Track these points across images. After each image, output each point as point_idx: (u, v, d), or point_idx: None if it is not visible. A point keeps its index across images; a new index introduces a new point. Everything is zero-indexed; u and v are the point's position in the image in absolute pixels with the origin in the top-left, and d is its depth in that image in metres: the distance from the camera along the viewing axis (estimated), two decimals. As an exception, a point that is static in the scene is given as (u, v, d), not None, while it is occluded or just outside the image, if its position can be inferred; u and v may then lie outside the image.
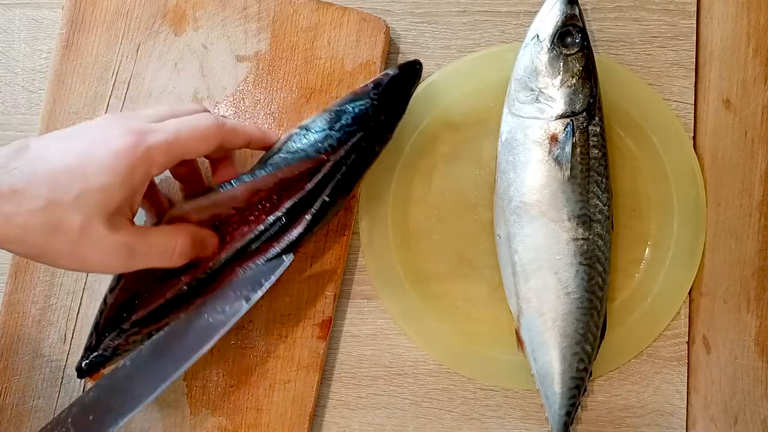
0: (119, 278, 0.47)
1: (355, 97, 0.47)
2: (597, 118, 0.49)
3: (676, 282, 0.53)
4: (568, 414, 0.49)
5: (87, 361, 0.47)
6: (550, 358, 0.49)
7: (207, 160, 0.48)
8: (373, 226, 0.53)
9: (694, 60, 0.54)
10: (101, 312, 0.47)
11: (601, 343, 0.51)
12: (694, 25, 0.54)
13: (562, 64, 0.49)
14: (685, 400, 0.53)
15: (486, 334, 0.53)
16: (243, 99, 0.53)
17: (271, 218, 0.46)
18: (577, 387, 0.49)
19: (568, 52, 0.49)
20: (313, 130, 0.47)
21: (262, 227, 0.46)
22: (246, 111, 0.53)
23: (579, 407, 0.51)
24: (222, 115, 0.52)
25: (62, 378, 0.51)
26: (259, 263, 0.47)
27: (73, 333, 0.52)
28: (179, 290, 0.46)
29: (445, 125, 0.54)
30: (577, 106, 0.49)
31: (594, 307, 0.49)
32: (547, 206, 0.48)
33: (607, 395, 0.53)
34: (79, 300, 0.52)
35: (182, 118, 0.43)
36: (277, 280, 0.48)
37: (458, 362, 0.53)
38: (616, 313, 0.52)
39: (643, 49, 0.54)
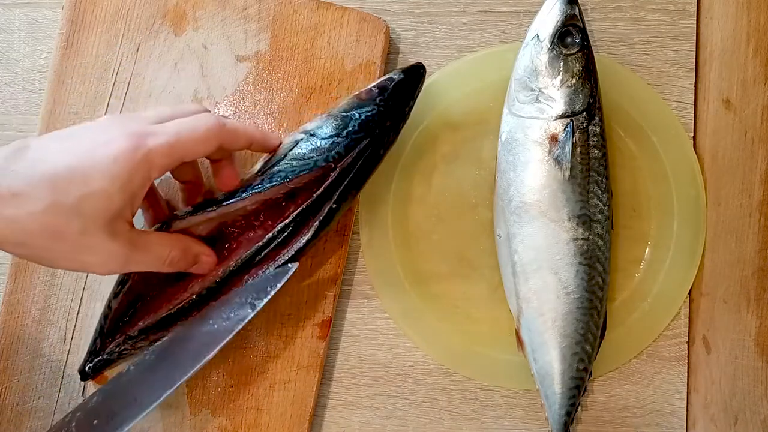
0: (124, 282, 0.47)
1: (360, 103, 0.47)
2: (597, 118, 0.49)
3: (676, 282, 0.53)
4: (568, 414, 0.49)
5: (91, 365, 0.47)
6: (550, 358, 0.49)
7: (207, 161, 0.48)
8: (373, 226, 0.53)
9: (694, 60, 0.54)
10: (105, 316, 0.47)
11: (601, 343, 0.51)
12: (694, 25, 0.54)
13: (562, 64, 0.49)
14: (685, 400, 0.53)
15: (486, 334, 0.53)
16: (243, 99, 0.53)
17: (279, 226, 0.46)
18: (577, 387, 0.49)
19: (568, 52, 0.49)
20: (319, 137, 0.47)
21: (270, 235, 0.46)
22: (246, 111, 0.53)
23: (579, 407, 0.51)
24: (222, 116, 0.52)
25: (62, 378, 0.51)
26: (267, 271, 0.47)
27: (73, 333, 0.52)
28: (189, 299, 0.47)
29: (445, 125, 0.54)
30: (577, 106, 0.49)
31: (594, 307, 0.49)
32: (547, 206, 0.48)
33: (607, 395, 0.53)
34: (79, 300, 0.52)
35: (182, 119, 0.43)
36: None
37: (458, 362, 0.53)
38: (616, 313, 0.52)
39: (643, 49, 0.54)
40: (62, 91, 0.52)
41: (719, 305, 0.50)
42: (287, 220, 0.46)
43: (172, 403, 0.51)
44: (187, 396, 0.51)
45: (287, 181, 0.46)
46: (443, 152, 0.54)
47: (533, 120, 0.49)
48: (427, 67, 0.49)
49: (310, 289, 0.52)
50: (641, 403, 0.53)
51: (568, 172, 0.48)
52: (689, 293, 0.53)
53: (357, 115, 0.47)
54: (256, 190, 0.46)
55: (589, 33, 0.51)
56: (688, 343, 0.53)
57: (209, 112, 0.47)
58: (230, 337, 0.45)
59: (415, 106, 0.49)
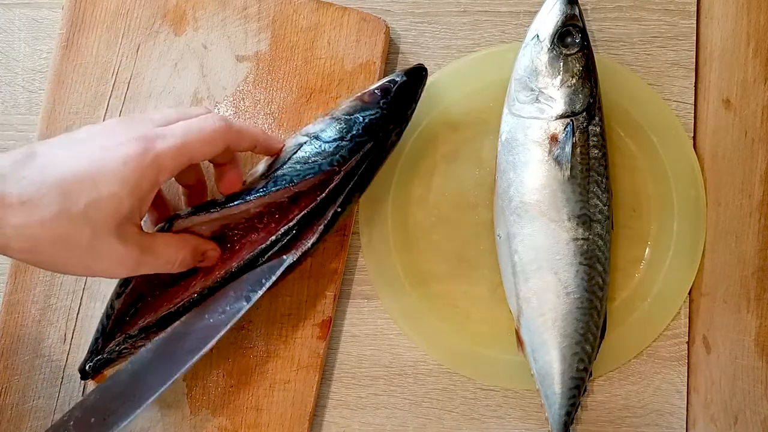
0: (126, 283, 0.47)
1: (364, 106, 0.47)
2: (597, 118, 0.49)
3: (676, 282, 0.53)
4: (568, 414, 0.49)
5: (91, 364, 0.47)
6: (550, 358, 0.49)
7: (211, 165, 0.48)
8: (373, 226, 0.53)
9: (694, 60, 0.54)
10: (108, 316, 0.47)
11: (601, 343, 0.51)
12: (694, 25, 0.54)
13: (562, 64, 0.49)
14: (685, 400, 0.53)
15: (486, 334, 0.53)
16: (243, 99, 0.53)
17: (282, 229, 0.46)
18: (577, 387, 0.49)
19: (568, 52, 0.49)
20: (323, 140, 0.47)
21: (273, 238, 0.46)
22: (246, 111, 0.53)
23: (579, 407, 0.51)
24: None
25: (62, 378, 0.51)
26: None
27: (73, 333, 0.52)
28: (189, 298, 0.47)
29: (445, 125, 0.54)
30: (577, 106, 0.49)
31: (594, 307, 0.49)
32: (547, 206, 0.48)
33: (607, 395, 0.53)
34: (79, 300, 0.52)
35: (189, 120, 0.43)
36: (278, 280, 0.48)
37: (458, 362, 0.53)
38: (616, 313, 0.52)
39: (643, 49, 0.54)
40: (62, 91, 0.52)
41: (719, 305, 0.50)
42: (291, 223, 0.46)
43: (172, 403, 0.51)
44: (187, 396, 0.51)
45: (292, 185, 0.46)
46: (443, 152, 0.54)
47: (533, 120, 0.49)
48: (427, 67, 0.49)
49: (310, 289, 0.52)
50: (641, 403, 0.53)
51: (568, 172, 0.48)
52: (689, 293, 0.53)
53: (361, 119, 0.47)
54: (261, 194, 0.46)
55: (589, 33, 0.51)
56: (688, 343, 0.53)
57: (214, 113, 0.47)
58: (226, 329, 0.45)
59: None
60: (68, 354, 0.52)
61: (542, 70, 0.49)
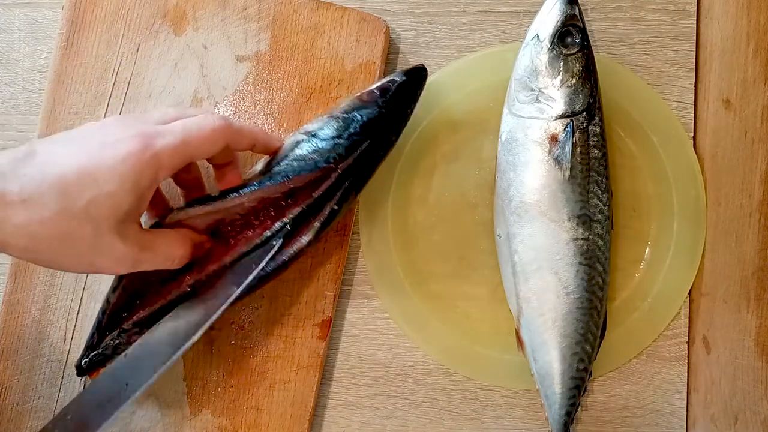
0: (121, 277, 0.47)
1: (362, 105, 0.47)
2: (597, 118, 0.49)
3: (676, 282, 0.53)
4: (568, 414, 0.49)
5: (87, 360, 0.47)
6: (550, 358, 0.49)
7: (210, 165, 0.48)
8: (373, 226, 0.53)
9: (694, 60, 0.54)
10: (104, 311, 0.47)
11: (601, 343, 0.51)
12: (694, 25, 0.54)
13: (562, 64, 0.49)
14: (685, 400, 0.53)
15: (486, 334, 0.53)
16: (243, 99, 0.53)
17: (277, 224, 0.46)
18: (577, 387, 0.49)
19: (568, 52, 0.49)
20: (320, 138, 0.47)
21: (268, 233, 0.46)
22: (246, 111, 0.53)
23: (579, 407, 0.51)
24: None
25: (62, 378, 0.51)
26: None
27: (73, 333, 0.52)
28: (182, 292, 0.46)
29: (445, 125, 0.54)
30: (577, 106, 0.49)
31: (594, 307, 0.49)
32: (547, 206, 0.48)
33: (607, 395, 0.53)
34: (79, 300, 0.52)
35: (189, 119, 0.43)
36: (277, 280, 0.48)
37: (458, 362, 0.53)
38: (616, 313, 0.53)
39: (643, 49, 0.54)
40: (62, 91, 0.52)
41: (719, 305, 0.50)
42: (286, 220, 0.46)
43: (172, 403, 0.51)
44: (187, 396, 0.51)
45: (287, 180, 0.46)
46: (443, 152, 0.54)
47: (533, 120, 0.49)
48: (427, 67, 0.49)
49: (310, 289, 0.52)
50: (641, 403, 0.53)
51: (568, 172, 0.48)
52: (689, 293, 0.53)
53: (359, 117, 0.47)
54: (255, 187, 0.46)
55: (589, 33, 0.51)
56: (688, 343, 0.53)
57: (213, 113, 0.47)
58: (217, 315, 0.45)
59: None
60: (68, 354, 0.52)
61: (542, 70, 0.49)
